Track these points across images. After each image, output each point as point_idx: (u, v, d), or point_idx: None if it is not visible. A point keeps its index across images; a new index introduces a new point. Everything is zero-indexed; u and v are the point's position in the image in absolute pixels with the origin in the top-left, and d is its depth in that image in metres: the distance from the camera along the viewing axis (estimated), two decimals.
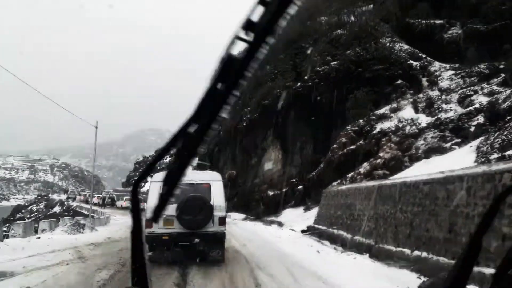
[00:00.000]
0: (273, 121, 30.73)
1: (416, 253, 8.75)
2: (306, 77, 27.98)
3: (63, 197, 63.75)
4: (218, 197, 8.01)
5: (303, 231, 17.79)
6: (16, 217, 50.85)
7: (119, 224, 22.83)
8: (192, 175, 9.66)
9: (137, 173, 74.04)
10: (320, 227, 16.87)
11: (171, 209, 7.50)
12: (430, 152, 19.44)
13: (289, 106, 29.12)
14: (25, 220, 38.93)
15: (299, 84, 28.33)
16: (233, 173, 39.36)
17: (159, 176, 8.57)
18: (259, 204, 31.53)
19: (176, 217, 7.56)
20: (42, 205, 58.50)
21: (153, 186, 8.06)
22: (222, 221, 7.99)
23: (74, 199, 59.84)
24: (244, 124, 34.95)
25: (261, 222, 24.08)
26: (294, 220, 23.28)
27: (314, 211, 23.45)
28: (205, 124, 0.76)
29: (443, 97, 22.16)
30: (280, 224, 21.03)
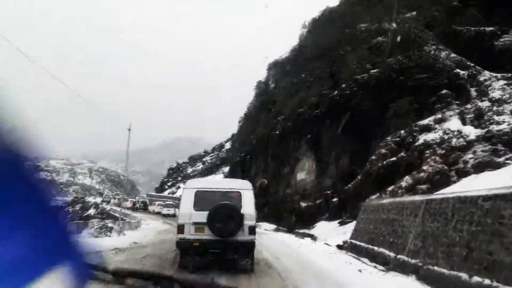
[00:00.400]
0: (308, 130, 29.86)
1: (476, 279, 7.64)
2: (343, 85, 27.02)
3: (98, 200, 65.35)
4: (248, 206, 7.96)
5: (338, 246, 16.75)
6: None
7: (149, 229, 22.67)
8: (223, 183, 10.23)
9: (170, 179, 74.92)
10: (357, 243, 15.75)
11: (202, 216, 7.57)
12: (480, 166, 17.89)
13: (325, 115, 28.19)
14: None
15: (336, 92, 27.39)
16: (264, 182, 38.67)
17: (193, 183, 8.97)
18: (291, 216, 30.58)
19: (207, 224, 7.58)
20: (78, 207, 60.09)
21: (186, 193, 8.14)
22: (252, 230, 7.89)
23: (108, 202, 61.19)
24: (277, 132, 34.28)
25: (293, 234, 23.15)
26: (328, 234, 22.17)
27: (350, 226, 22.22)
28: None
29: (495, 108, 20.51)
30: (313, 238, 20.05)
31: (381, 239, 13.70)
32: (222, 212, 7.53)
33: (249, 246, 7.79)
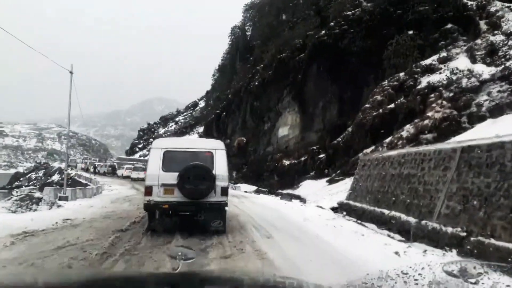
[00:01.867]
0: (291, 78, 26.32)
1: None
2: (332, 23, 23.29)
3: (64, 164, 60.97)
4: (220, 167, 7.64)
5: (334, 209, 13.96)
6: (14, 185, 48.17)
7: (108, 196, 19.26)
8: (194, 143, 9.71)
9: (140, 141, 70.36)
10: (358, 204, 12.96)
11: (171, 178, 7.25)
12: (498, 109, 15.17)
13: (311, 59, 24.60)
14: (23, 187, 35.92)
15: (323, 32, 23.67)
16: (243, 140, 35.48)
17: (160, 143, 8.48)
18: (273, 175, 27.76)
19: (177, 186, 7.25)
20: (41, 173, 55.72)
21: (153, 153, 7.80)
22: (225, 191, 7.60)
23: (75, 167, 57.12)
24: (256, 83, 30.57)
25: (276, 195, 20.31)
26: (317, 194, 19.47)
27: (342, 184, 19.55)
28: None
29: (510, 42, 17.54)
30: (302, 200, 17.22)
31: (393, 200, 10.88)
32: (193, 173, 7.25)
33: (221, 208, 7.50)
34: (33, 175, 55.75)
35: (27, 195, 9.57)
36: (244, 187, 26.02)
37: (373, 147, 18.93)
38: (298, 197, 18.00)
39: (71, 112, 16.76)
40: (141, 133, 76.17)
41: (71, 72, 15.19)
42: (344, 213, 13.19)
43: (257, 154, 33.16)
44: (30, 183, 49.31)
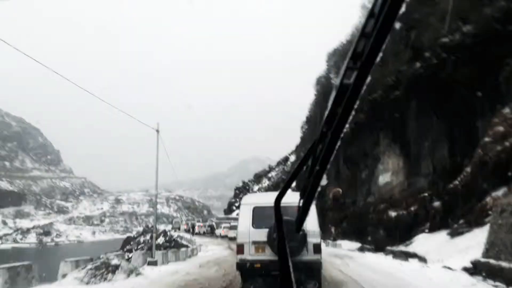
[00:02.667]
0: (387, 119, 23.94)
1: None
2: (427, 54, 20.99)
3: (169, 227, 64.23)
4: (312, 222, 6.99)
5: (467, 270, 10.86)
6: (125, 249, 51.51)
7: (200, 258, 18.61)
8: (283, 197, 7.93)
9: (237, 199, 71.50)
10: (503, 264, 9.81)
11: (262, 234, 6.98)
12: None
13: (408, 96, 22.19)
14: (132, 252, 37.87)
15: (418, 65, 21.38)
16: (339, 192, 32.91)
17: (250, 199, 8.34)
18: (378, 229, 24.50)
19: (268, 243, 6.90)
20: (148, 236, 59.12)
21: (243, 209, 7.69)
22: (318, 248, 7.00)
23: (178, 229, 59.67)
24: (347, 128, 28.64)
25: (386, 254, 17.35)
26: (437, 250, 16.04)
27: (471, 237, 15.81)
28: (329, 142, 0.88)
29: None
30: (420, 258, 14.17)
31: None
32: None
33: (315, 267, 7.00)
34: (141, 238, 59.42)
35: (103, 263, 9.00)
36: (345, 244, 23.28)
37: (505, 189, 15.26)
38: (414, 255, 14.92)
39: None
40: (237, 191, 77.82)
41: (157, 131, 15.60)
42: (485, 276, 10.05)
43: (356, 206, 30.22)
44: (139, 246, 52.35)
